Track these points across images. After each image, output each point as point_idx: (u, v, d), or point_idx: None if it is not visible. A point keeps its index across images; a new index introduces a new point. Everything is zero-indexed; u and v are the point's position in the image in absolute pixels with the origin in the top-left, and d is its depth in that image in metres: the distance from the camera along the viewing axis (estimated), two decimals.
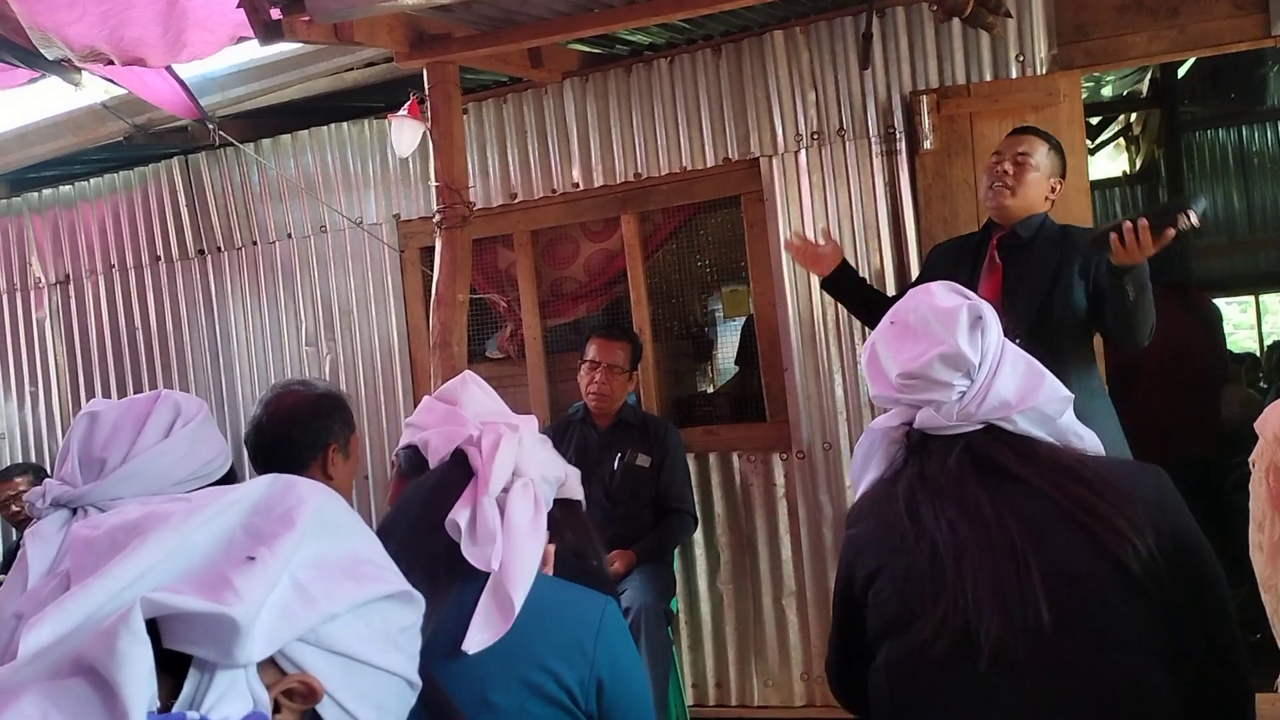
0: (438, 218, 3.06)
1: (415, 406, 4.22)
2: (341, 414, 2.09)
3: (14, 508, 4.24)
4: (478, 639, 1.23)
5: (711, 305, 5.89)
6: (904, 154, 3.61)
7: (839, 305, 3.57)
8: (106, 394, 4.77)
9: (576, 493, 1.72)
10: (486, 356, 4.46)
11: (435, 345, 3.04)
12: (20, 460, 4.80)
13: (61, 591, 0.76)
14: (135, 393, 4.50)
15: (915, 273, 3.43)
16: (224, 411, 4.59)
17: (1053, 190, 2.82)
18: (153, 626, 0.70)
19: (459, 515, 1.30)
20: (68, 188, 4.81)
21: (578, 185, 4.09)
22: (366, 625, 0.82)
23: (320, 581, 0.79)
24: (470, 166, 3.97)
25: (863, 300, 3.15)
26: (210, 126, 3.94)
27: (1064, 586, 1.30)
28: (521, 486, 1.36)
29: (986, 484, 1.39)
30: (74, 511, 1.37)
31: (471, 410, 1.43)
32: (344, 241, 4.43)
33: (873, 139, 3.67)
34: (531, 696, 1.25)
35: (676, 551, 3.72)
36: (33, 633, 0.70)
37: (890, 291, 3.47)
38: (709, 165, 3.91)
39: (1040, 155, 2.77)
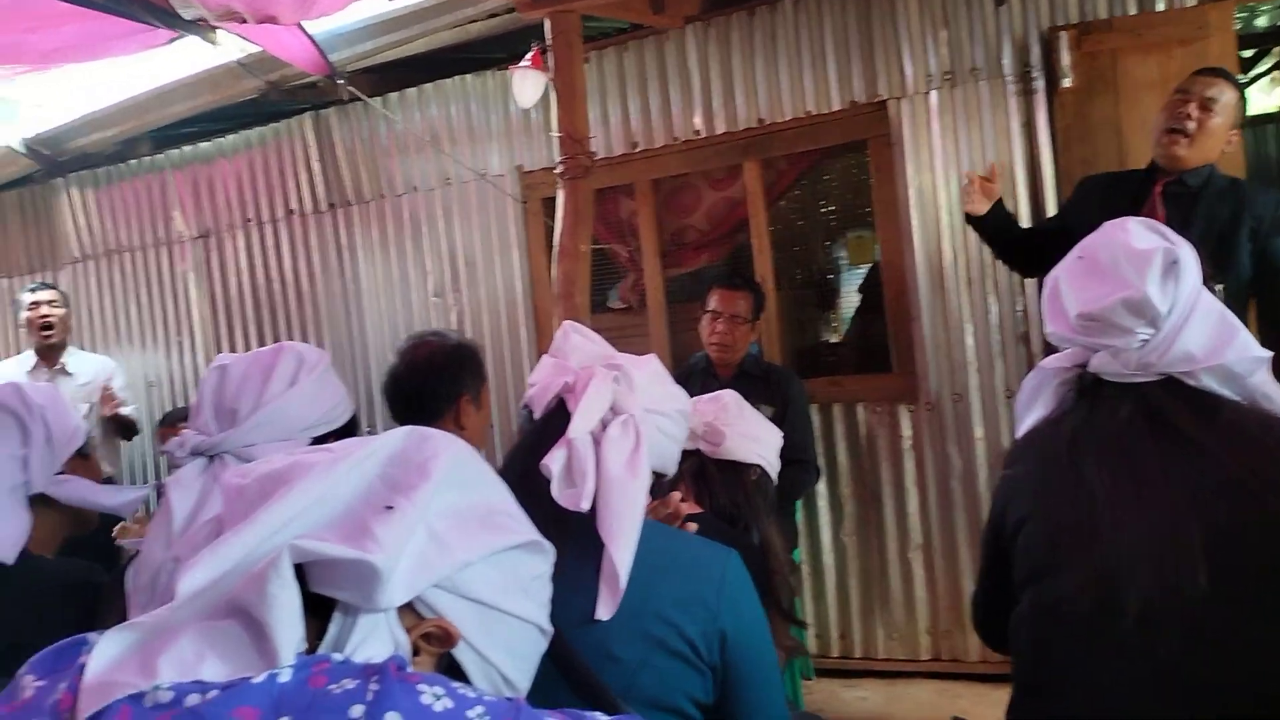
0: (560, 169, 3.13)
1: (539, 357, 4.36)
2: (474, 364, 2.18)
3: None
4: (606, 606, 1.23)
5: (836, 252, 5.84)
6: (1041, 93, 3.51)
7: (969, 253, 3.50)
8: (246, 342, 5.05)
9: (750, 456, 1.72)
10: (609, 307, 4.54)
11: (558, 297, 3.11)
12: (170, 407, 5.12)
13: (214, 536, 0.82)
14: (272, 343, 4.78)
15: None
16: (354, 360, 4.81)
17: (1229, 142, 2.69)
18: (300, 571, 0.76)
19: (553, 459, 1.30)
20: (207, 144, 5.05)
21: (699, 133, 4.10)
22: (499, 573, 0.86)
23: (455, 531, 0.83)
24: (591, 116, 4.03)
25: (1013, 241, 3.06)
26: (339, 82, 4.09)
27: (1226, 555, 1.23)
28: (621, 424, 1.34)
29: (1157, 440, 1.33)
30: (210, 459, 1.46)
31: (575, 359, 1.44)
32: (468, 193, 4.56)
33: (1008, 78, 3.58)
34: (654, 649, 1.26)
35: (799, 503, 3.75)
36: (188, 575, 0.76)
37: None
38: (834, 109, 3.87)
39: (1226, 101, 2.62)
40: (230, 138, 5.01)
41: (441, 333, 2.24)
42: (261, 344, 4.97)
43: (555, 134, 3.10)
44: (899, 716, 3.59)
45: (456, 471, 0.87)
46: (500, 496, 0.91)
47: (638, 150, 4.22)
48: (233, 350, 5.06)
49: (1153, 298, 1.37)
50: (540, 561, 0.91)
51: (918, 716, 3.56)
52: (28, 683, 0.78)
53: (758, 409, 3.45)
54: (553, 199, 3.52)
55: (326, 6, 3.34)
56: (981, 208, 2.96)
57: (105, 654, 0.74)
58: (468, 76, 4.49)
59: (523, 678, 0.91)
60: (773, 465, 2.01)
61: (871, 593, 3.94)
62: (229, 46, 4.03)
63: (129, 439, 4.83)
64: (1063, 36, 3.33)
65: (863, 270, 5.36)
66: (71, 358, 4.73)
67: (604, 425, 1.34)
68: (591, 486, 1.28)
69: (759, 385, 3.54)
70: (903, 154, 3.75)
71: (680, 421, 1.45)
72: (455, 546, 0.82)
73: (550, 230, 3.68)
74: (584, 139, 3.09)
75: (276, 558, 0.75)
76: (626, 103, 4.22)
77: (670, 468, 1.45)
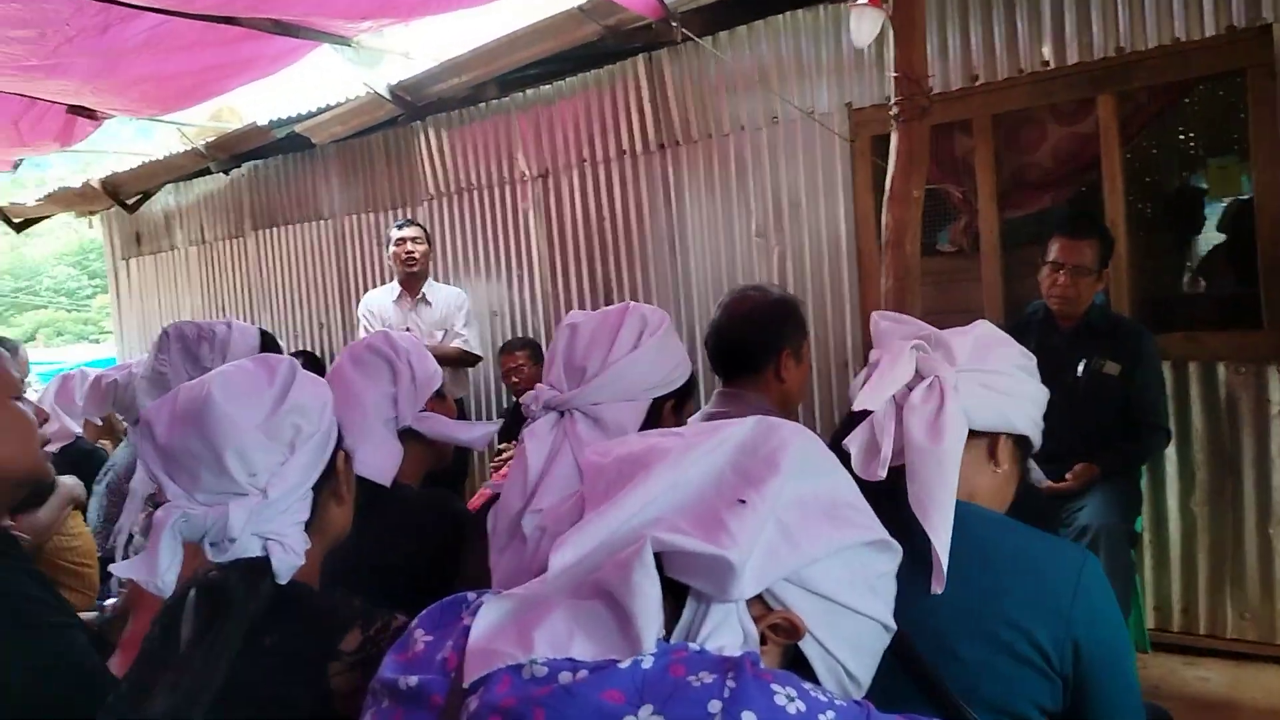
0: (894, 110, 3.05)
1: (862, 299, 4.32)
2: (795, 319, 2.20)
3: (514, 379, 4.96)
4: (935, 582, 1.21)
5: (1195, 183, 5.30)
6: None
7: None
8: (579, 277, 5.36)
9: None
10: (938, 250, 4.42)
11: (887, 244, 3.06)
12: (510, 335, 5.55)
13: (576, 512, 0.92)
14: (602, 278, 5.05)
15: None
16: (679, 298, 4.98)
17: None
18: (658, 555, 0.82)
19: (852, 438, 1.29)
20: (547, 87, 5.35)
21: (1048, 64, 3.85)
22: (846, 569, 0.88)
23: (802, 525, 0.86)
24: (929, 48, 3.88)
25: None
26: (673, 24, 4.20)
27: None
28: (924, 389, 1.30)
29: None
30: (561, 414, 1.56)
31: (883, 343, 1.43)
32: (795, 132, 4.55)
33: None
34: (999, 653, 1.23)
35: (1144, 467, 3.52)
36: (559, 553, 0.84)
37: None
38: (1207, 35, 3.51)
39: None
40: (568, 80, 5.26)
41: (763, 287, 2.28)
42: (593, 279, 5.27)
43: (891, 74, 3.02)
44: (1245, 702, 3.33)
45: (804, 463, 0.89)
46: (846, 488, 0.93)
47: (978, 84, 4.03)
48: (566, 285, 5.40)
49: None
50: (887, 560, 0.93)
51: (1267, 705, 3.29)
52: (418, 636, 0.90)
53: (1102, 365, 3.28)
54: (883, 137, 3.44)
55: None
56: None
57: (486, 620, 0.85)
58: (799, 11, 4.45)
59: (865, 673, 0.93)
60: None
61: (1222, 568, 3.65)
62: None
63: (471, 366, 5.30)
64: None
65: (1225, 205, 4.84)
66: (430, 289, 5.24)
67: (909, 391, 1.31)
68: (887, 454, 1.26)
69: (1104, 340, 3.33)
70: None
71: (1019, 376, 1.38)
72: (802, 541, 0.85)
73: (879, 170, 3.61)
74: (922, 78, 3.00)
75: (641, 548, 0.81)
76: (968, 32, 4.04)
77: (1023, 426, 1.37)
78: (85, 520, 3.04)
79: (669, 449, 0.90)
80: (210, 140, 6.33)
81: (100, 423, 4.18)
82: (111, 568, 1.23)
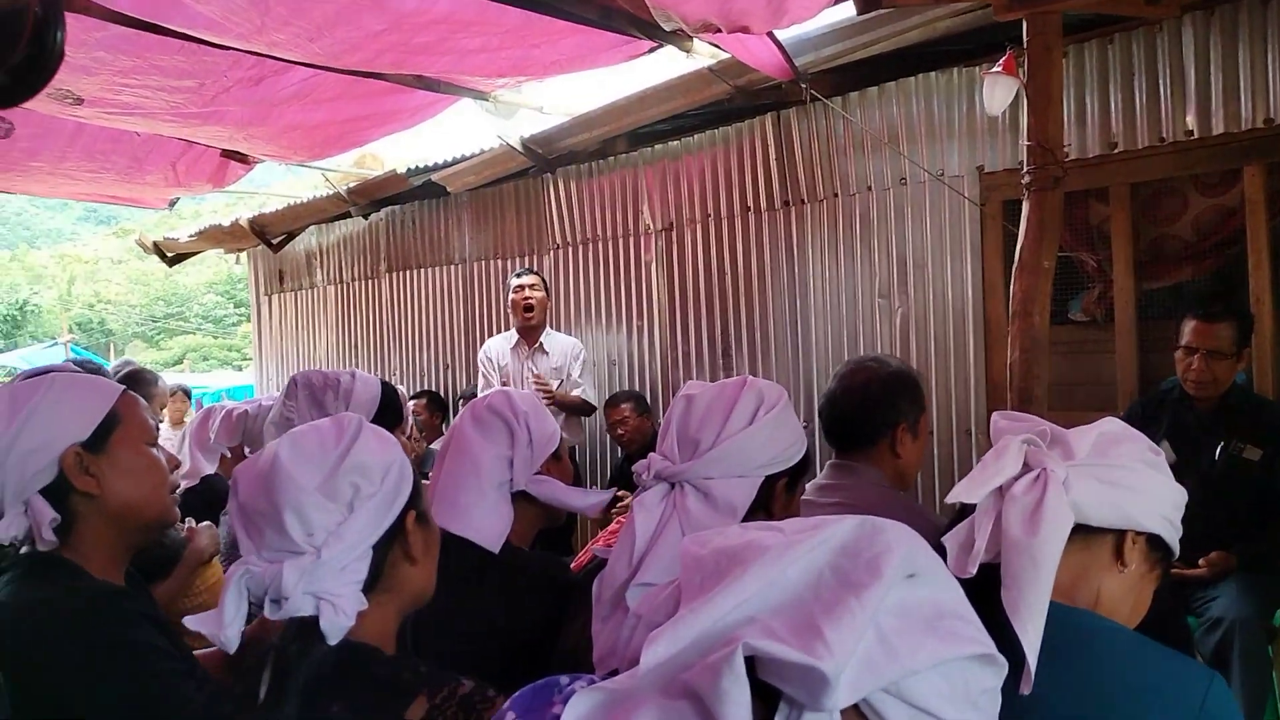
0: (1027, 179, 2.99)
1: (988, 367, 4.22)
2: (912, 393, 2.15)
3: (619, 431, 4.99)
4: (1023, 684, 1.14)
5: None
6: None
7: None
8: (698, 331, 5.37)
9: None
10: (1069, 319, 4.28)
11: (1015, 314, 2.99)
12: (628, 384, 5.60)
13: (672, 603, 0.90)
14: (721, 333, 5.06)
15: None
16: (799, 357, 4.94)
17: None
18: (749, 657, 0.79)
19: (951, 534, 1.24)
20: (675, 143, 5.42)
21: (1191, 133, 3.72)
22: (947, 683, 0.84)
23: (903, 634, 0.82)
24: (1065, 114, 3.80)
25: None
26: (803, 85, 4.21)
27: None
28: (1027, 481, 1.24)
29: None
30: (672, 486, 1.54)
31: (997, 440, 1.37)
32: (923, 194, 4.49)
33: None
34: None
35: None
36: (651, 649, 0.83)
37: None
38: None
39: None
40: (696, 136, 5.32)
41: (881, 359, 2.23)
42: (712, 333, 5.28)
43: (1025, 142, 2.96)
44: None
45: (908, 568, 0.86)
46: (952, 598, 0.90)
47: (1116, 151, 3.91)
48: (685, 338, 5.42)
49: None
50: (991, 675, 0.89)
51: None
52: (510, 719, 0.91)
53: (1242, 449, 3.12)
54: (1014, 202, 3.37)
55: (797, 15, 3.45)
56: None
57: (576, 713, 0.84)
58: (931, 74, 4.42)
59: None
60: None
61: None
62: (702, 54, 4.31)
63: (587, 415, 5.37)
64: None
65: None
66: (548, 337, 5.34)
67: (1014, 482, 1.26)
68: (980, 548, 1.22)
69: (1245, 422, 3.17)
70: None
71: (1144, 471, 1.30)
72: (902, 652, 0.82)
73: (1009, 235, 3.53)
74: (1056, 148, 2.93)
75: (730, 654, 0.78)
76: (1107, 99, 3.93)
77: (1150, 524, 1.30)
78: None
79: (768, 546, 0.87)
80: (352, 186, 6.61)
81: (230, 454, 4.36)
82: (184, 620, 1.27)
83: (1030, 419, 1.40)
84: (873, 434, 2.14)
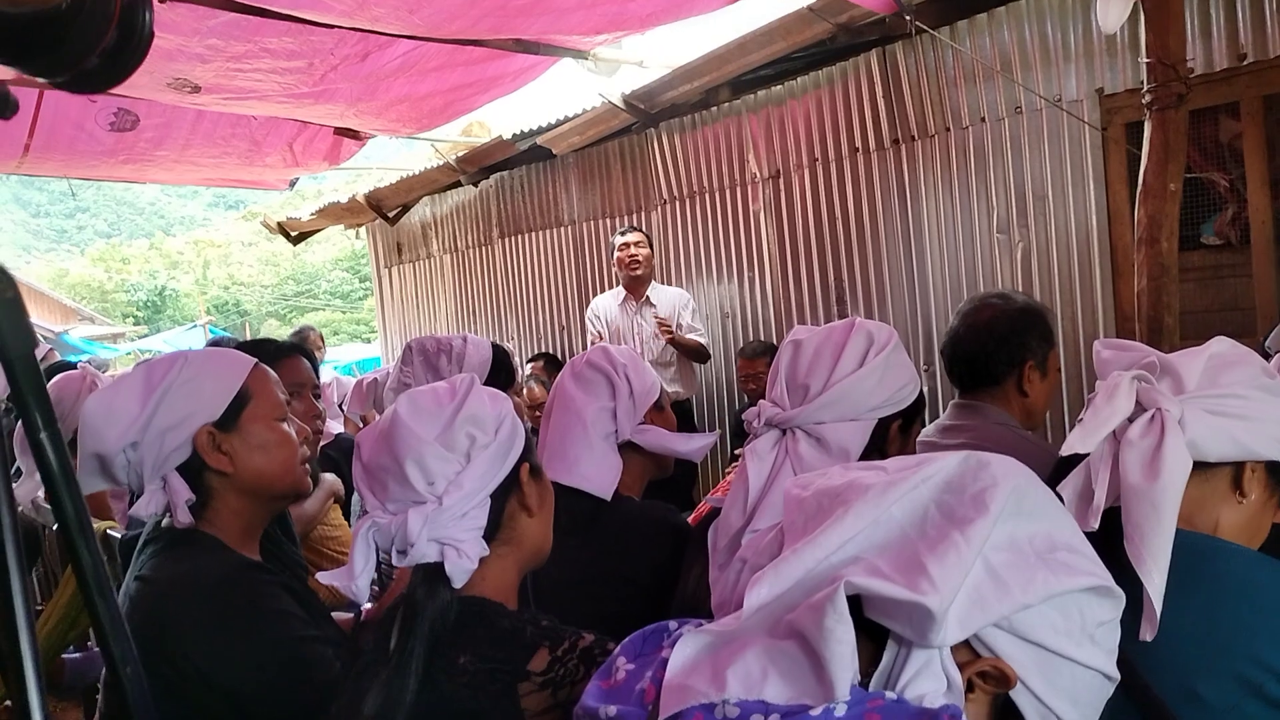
0: (1148, 98, 2.85)
1: (1116, 299, 4.06)
2: (1040, 329, 2.09)
3: (751, 385, 4.99)
4: (1146, 629, 1.12)
5: None
6: None
7: None
8: (810, 279, 5.31)
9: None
10: (1201, 243, 4.07)
11: (1141, 240, 2.86)
12: (741, 336, 5.59)
13: (776, 546, 0.90)
14: (835, 279, 4.99)
15: None
16: (915, 299, 4.84)
17: None
18: (858, 595, 0.79)
19: (1066, 483, 1.21)
20: (779, 87, 5.32)
21: None
22: (1062, 616, 0.82)
23: (1013, 568, 0.80)
24: (1189, 27, 3.61)
25: None
26: (907, 18, 4.09)
27: None
28: (1142, 424, 1.20)
29: None
30: (783, 432, 1.54)
31: (1103, 374, 1.33)
32: (1039, 122, 4.33)
33: None
34: (1247, 695, 1.14)
35: None
36: (754, 591, 0.83)
37: None
38: None
39: None
40: (799, 79, 5.22)
41: (1007, 294, 2.17)
42: (825, 280, 5.21)
43: (1144, 60, 2.82)
44: None
45: (1017, 502, 0.84)
46: (1064, 530, 0.87)
47: (1245, 63, 3.68)
48: (798, 286, 5.37)
49: None
50: (1109, 607, 0.86)
51: None
52: (620, 664, 0.92)
53: None
54: (1137, 124, 3.22)
55: None
56: None
57: (682, 655, 0.85)
58: None
59: None
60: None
61: None
62: None
63: (703, 362, 5.39)
64: None
65: None
66: (654, 291, 5.37)
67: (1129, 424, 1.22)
68: (1100, 501, 1.18)
69: None
70: None
71: (1259, 397, 1.25)
72: (1013, 585, 0.80)
73: (1134, 158, 3.37)
74: (1178, 63, 2.78)
75: (833, 592, 0.78)
76: (1234, 7, 3.70)
77: (1269, 451, 1.24)
78: (346, 513, 3.30)
79: (870, 484, 0.86)
80: (461, 155, 6.72)
81: (361, 423, 4.53)
82: (318, 576, 1.33)
83: (1135, 346, 1.35)
84: (999, 372, 2.10)
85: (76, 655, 2.70)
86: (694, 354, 5.29)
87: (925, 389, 1.67)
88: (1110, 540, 1.14)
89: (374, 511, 1.27)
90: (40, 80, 0.63)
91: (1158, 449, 1.18)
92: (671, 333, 5.12)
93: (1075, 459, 1.25)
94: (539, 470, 1.40)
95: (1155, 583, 1.12)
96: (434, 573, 1.24)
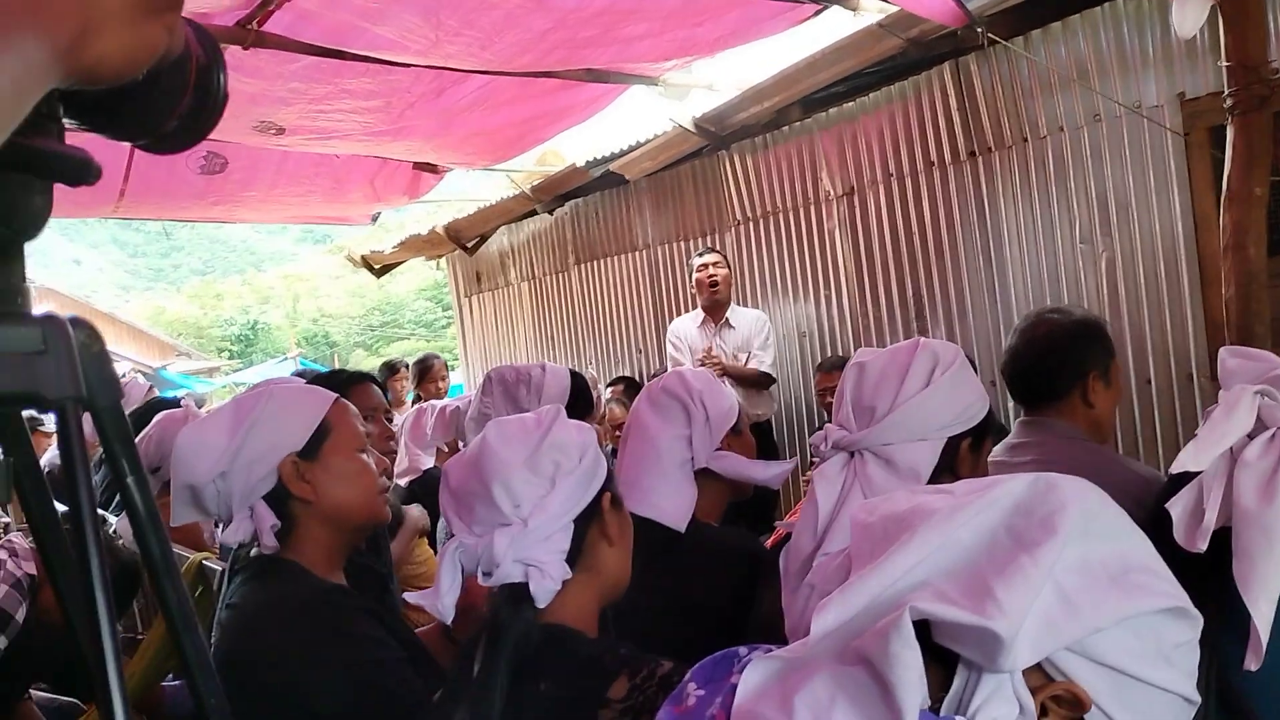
0: (1229, 101, 2.78)
1: (1205, 307, 3.95)
2: (1101, 340, 2.07)
3: (829, 399, 4.95)
4: (1251, 658, 1.08)
5: None
6: None
7: None
8: (887, 295, 5.26)
9: None
10: None
11: (1227, 248, 2.79)
12: (818, 355, 5.55)
13: (843, 572, 0.89)
14: (913, 295, 4.94)
15: None
16: (996, 313, 4.76)
17: None
18: (926, 620, 0.79)
19: (1175, 501, 1.18)
20: (850, 104, 5.30)
21: None
22: (1136, 639, 0.80)
23: (1085, 591, 0.79)
24: (1270, 29, 3.50)
25: None
26: (979, 30, 4.05)
27: None
28: (1262, 443, 1.16)
29: None
30: (851, 455, 1.53)
31: (1229, 384, 1.28)
32: (1120, 129, 4.24)
33: None
34: None
35: None
36: (820, 617, 0.83)
37: None
38: None
39: None
40: (871, 95, 5.19)
41: (1063, 308, 2.15)
42: (902, 296, 5.16)
43: (1223, 64, 2.76)
44: None
45: (1086, 524, 0.83)
46: (1139, 550, 0.85)
47: None
48: (875, 303, 5.32)
49: None
50: (1185, 628, 0.84)
51: None
52: (691, 690, 0.93)
53: None
54: (1221, 128, 3.13)
55: None
56: None
57: (752, 681, 0.85)
58: (1118, 0, 4.15)
59: None
60: None
61: None
62: (869, 10, 4.21)
63: (765, 388, 5.36)
64: None
65: None
66: (733, 313, 5.37)
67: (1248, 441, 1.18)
68: (1210, 522, 1.14)
69: None
70: None
71: None
72: (1085, 609, 0.79)
73: (1218, 163, 3.28)
74: (1260, 64, 2.71)
75: (898, 618, 0.78)
76: None
77: None
78: (434, 543, 3.36)
79: (936, 509, 0.86)
80: (536, 184, 6.82)
81: (446, 448, 4.61)
82: (405, 596, 1.37)
83: (1264, 356, 1.31)
84: (1063, 386, 2.07)
85: (176, 683, 2.79)
86: (753, 383, 5.26)
87: (1010, 404, 1.64)
88: (1220, 563, 1.11)
89: (460, 534, 1.31)
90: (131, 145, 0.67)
91: (1275, 471, 1.14)
92: (722, 367, 5.09)
93: (1187, 476, 1.22)
94: (620, 501, 1.43)
95: (1262, 611, 1.08)
96: (518, 593, 1.27)
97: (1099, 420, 2.06)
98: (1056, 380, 2.06)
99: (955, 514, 0.84)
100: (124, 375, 5.03)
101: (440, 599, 1.29)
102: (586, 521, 1.34)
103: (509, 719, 1.20)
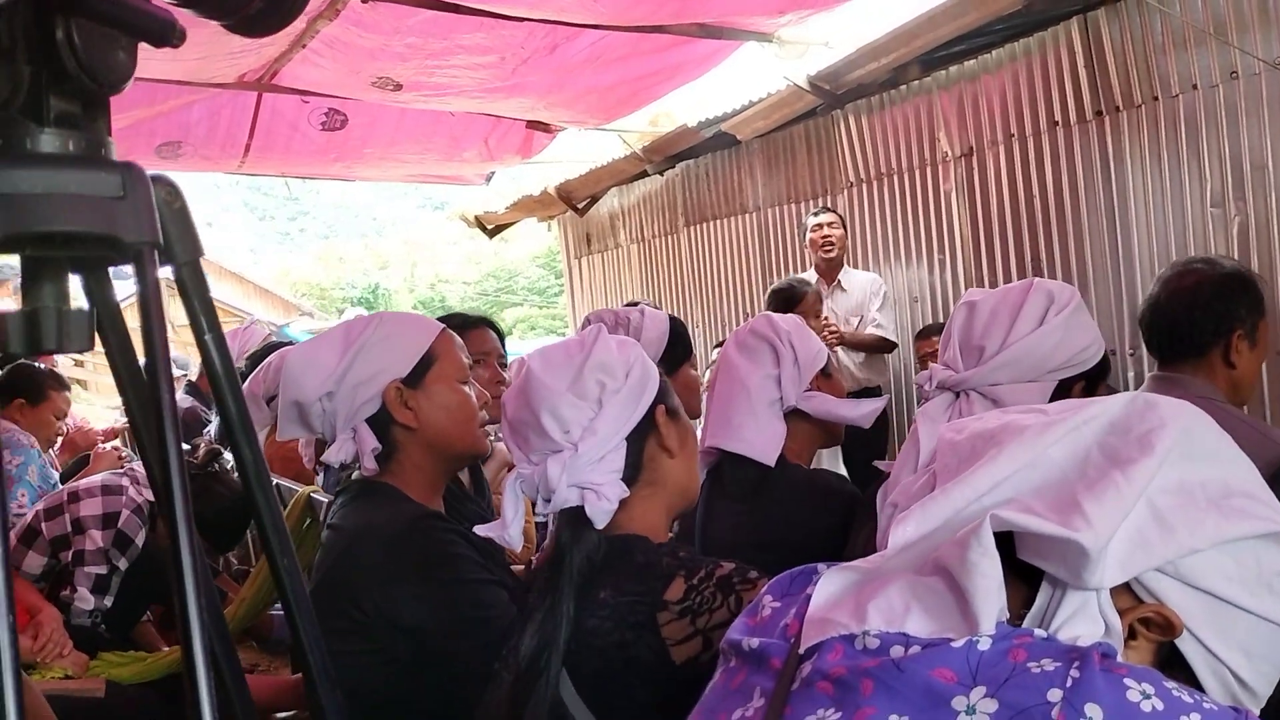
0: None
1: None
2: (1252, 295, 1.95)
3: (930, 362, 4.87)
4: None
5: None
6: None
7: None
8: (1005, 261, 5.10)
9: None
10: None
11: None
12: (931, 321, 5.43)
13: (928, 489, 0.88)
14: (1031, 259, 4.79)
15: None
16: (1120, 279, 4.58)
17: None
18: (1010, 536, 0.77)
19: None
20: (971, 62, 5.13)
21: None
22: (1235, 564, 0.77)
23: (1181, 511, 0.76)
24: None
25: None
26: None
27: None
28: None
29: None
30: (957, 395, 1.51)
31: None
32: (1258, 86, 4.01)
33: None
34: None
35: None
36: (900, 528, 0.82)
37: None
38: None
39: None
40: (994, 53, 5.02)
41: (1213, 259, 2.03)
42: (1020, 262, 5.01)
43: None
44: None
45: (1187, 445, 0.79)
46: (1241, 475, 0.81)
47: None
48: (992, 268, 5.17)
49: None
50: None
51: None
52: (767, 602, 0.93)
53: None
54: None
55: None
56: None
57: (827, 590, 0.85)
58: None
59: (1263, 683, 0.81)
60: None
61: None
62: None
63: (888, 353, 5.27)
64: None
65: None
66: (846, 275, 5.29)
67: None
68: None
69: None
70: None
71: None
72: (1180, 529, 0.76)
73: None
74: None
75: (979, 525, 0.76)
76: None
77: None
78: None
79: (1026, 426, 0.84)
80: (647, 144, 6.82)
81: None
82: (475, 529, 1.41)
83: None
84: (1204, 341, 1.96)
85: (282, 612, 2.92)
86: (873, 348, 5.18)
87: (1132, 374, 1.59)
88: None
89: (520, 464, 1.34)
90: (219, 23, 0.69)
91: None
92: (841, 336, 5.02)
93: None
94: (676, 412, 1.42)
95: None
96: (576, 516, 1.29)
97: (1239, 382, 1.96)
98: (1198, 335, 1.96)
99: (1047, 430, 0.82)
100: (247, 323, 5.24)
101: (506, 529, 1.33)
102: (641, 437, 1.35)
103: (576, 631, 1.22)
